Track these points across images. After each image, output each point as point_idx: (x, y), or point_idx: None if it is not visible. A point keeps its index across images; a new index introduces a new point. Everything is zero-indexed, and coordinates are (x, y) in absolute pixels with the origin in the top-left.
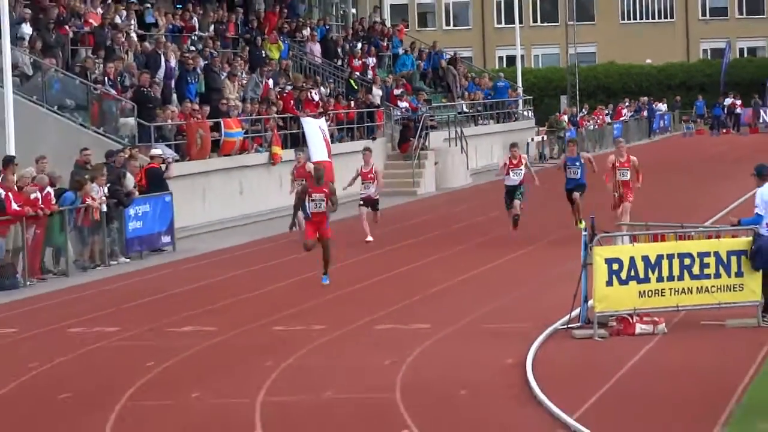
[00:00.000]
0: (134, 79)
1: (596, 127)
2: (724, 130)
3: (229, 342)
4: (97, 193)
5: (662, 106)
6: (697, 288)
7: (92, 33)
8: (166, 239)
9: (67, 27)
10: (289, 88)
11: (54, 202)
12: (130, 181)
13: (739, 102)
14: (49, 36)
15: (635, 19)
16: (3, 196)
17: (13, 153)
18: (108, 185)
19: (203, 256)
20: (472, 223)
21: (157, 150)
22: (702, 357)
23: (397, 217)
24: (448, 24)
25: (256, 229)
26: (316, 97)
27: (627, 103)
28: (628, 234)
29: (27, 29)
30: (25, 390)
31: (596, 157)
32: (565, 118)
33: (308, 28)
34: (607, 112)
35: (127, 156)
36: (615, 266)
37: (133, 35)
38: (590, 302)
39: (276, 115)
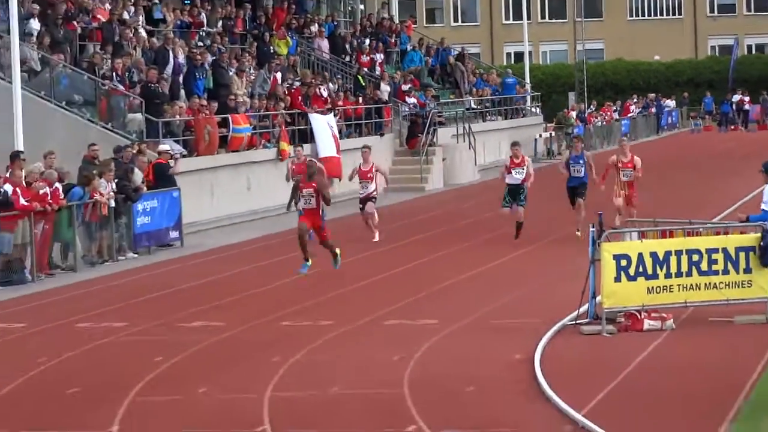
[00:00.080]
0: (142, 74)
1: (604, 123)
2: (732, 127)
3: (237, 337)
4: (105, 189)
5: (670, 103)
6: (706, 284)
7: (100, 29)
8: (174, 235)
9: (75, 22)
10: (297, 84)
11: (62, 197)
12: (138, 176)
13: (747, 99)
14: (57, 31)
15: (643, 15)
16: (11, 191)
17: (21, 148)
18: (116, 180)
19: (211, 252)
20: (479, 219)
21: (165, 146)
22: (710, 353)
23: (405, 213)
24: (456, 20)
25: (264, 224)
26: (325, 93)
27: (635, 100)
28: (636, 230)
29: (35, 25)
30: (33, 385)
31: (599, 155)
32: (573, 114)
33: (316, 24)
34: (615, 108)
35: (135, 151)
36: (623, 262)
37: (142, 31)
38: (598, 298)
39: (284, 111)
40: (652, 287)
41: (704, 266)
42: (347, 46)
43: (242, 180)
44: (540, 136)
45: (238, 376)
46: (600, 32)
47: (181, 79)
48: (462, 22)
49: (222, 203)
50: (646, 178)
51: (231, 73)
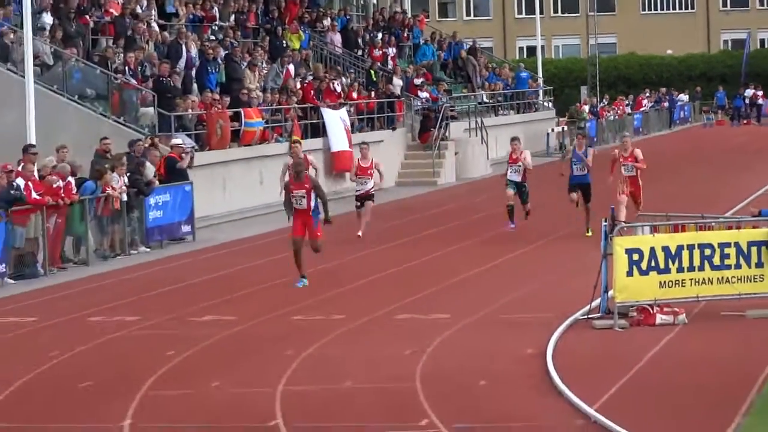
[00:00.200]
0: (154, 68)
1: (616, 117)
2: (745, 121)
3: (249, 331)
4: (117, 183)
5: (684, 97)
6: (718, 278)
7: (113, 22)
8: (186, 229)
9: (87, 16)
10: (309, 78)
11: (75, 191)
12: (150, 170)
13: (760, 93)
14: (69, 26)
15: (656, 9)
16: (23, 185)
17: (33, 142)
18: (128, 174)
19: (223, 246)
20: (491, 213)
21: (178, 139)
22: (722, 347)
23: (417, 207)
24: (468, 14)
25: (276, 219)
26: (338, 88)
27: (647, 94)
28: (648, 224)
29: (48, 19)
30: (45, 379)
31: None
32: (586, 108)
33: (329, 18)
34: (627, 102)
35: (147, 145)
36: (635, 257)
37: (154, 25)
38: (610, 292)
39: (296, 105)
40: (665, 281)
41: (716, 260)
42: (360, 41)
43: (254, 174)
44: (552, 130)
45: (251, 370)
46: (612, 26)
47: (193, 73)
48: (474, 16)
49: (234, 197)
50: (658, 172)
51: (243, 67)
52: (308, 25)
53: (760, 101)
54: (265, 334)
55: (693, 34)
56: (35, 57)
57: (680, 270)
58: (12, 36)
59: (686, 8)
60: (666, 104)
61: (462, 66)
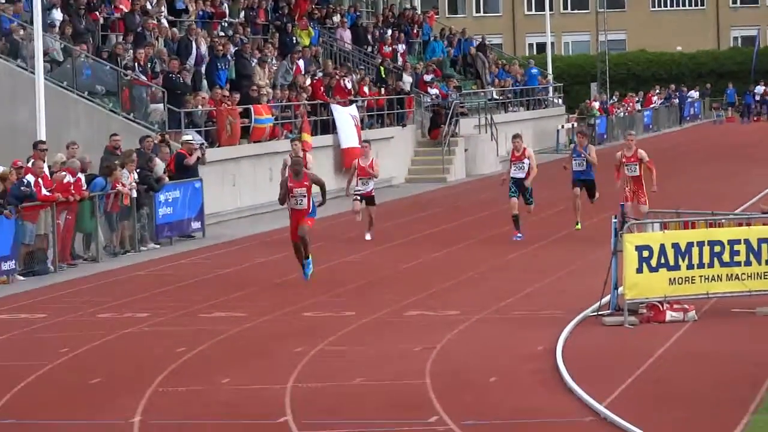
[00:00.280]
0: (164, 65)
1: (626, 114)
2: (755, 118)
3: (259, 328)
4: (127, 179)
5: (694, 94)
6: (727, 275)
7: (123, 19)
8: (196, 225)
9: (97, 13)
10: (319, 74)
11: (85, 188)
12: (159, 166)
13: None
14: (79, 22)
15: (665, 6)
16: (33, 182)
17: (43, 138)
18: (138, 171)
19: (233, 243)
20: (501, 209)
21: (188, 135)
22: (732, 344)
23: (427, 203)
24: (478, 11)
25: (286, 215)
26: (349, 85)
27: (657, 91)
28: (658, 221)
29: (58, 15)
30: (55, 375)
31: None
32: (596, 105)
33: (338, 15)
34: (637, 99)
35: (157, 141)
36: (645, 253)
37: (164, 21)
38: (620, 289)
39: (306, 102)
40: (674, 278)
41: (726, 257)
42: (369, 37)
43: (264, 170)
44: (562, 127)
45: (261, 366)
46: (622, 23)
47: (203, 69)
48: (484, 12)
49: (244, 194)
50: (668, 169)
51: (253, 64)
52: (318, 22)
53: None
54: (276, 331)
55: (703, 30)
56: (45, 53)
57: (690, 267)
58: (22, 32)
59: (696, 5)
60: (676, 101)
61: (471, 63)
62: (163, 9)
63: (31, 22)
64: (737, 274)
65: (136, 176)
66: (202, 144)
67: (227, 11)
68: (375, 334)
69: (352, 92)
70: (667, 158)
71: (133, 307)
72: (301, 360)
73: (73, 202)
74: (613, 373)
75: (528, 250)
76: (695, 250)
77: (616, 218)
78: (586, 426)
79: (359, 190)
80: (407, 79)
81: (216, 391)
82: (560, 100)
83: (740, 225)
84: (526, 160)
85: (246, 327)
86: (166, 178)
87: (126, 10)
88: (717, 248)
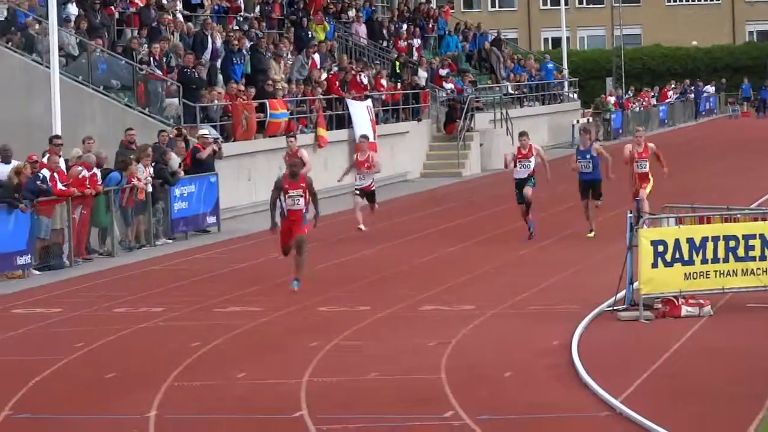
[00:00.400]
0: (180, 59)
1: (642, 109)
2: None
3: (274, 322)
4: (143, 174)
5: (710, 88)
6: (743, 270)
7: (138, 13)
8: (211, 220)
9: (112, 7)
10: (335, 69)
11: (100, 182)
12: (175, 161)
13: None
14: (95, 16)
15: (681, 0)
16: (49, 176)
17: (59, 133)
18: (153, 164)
19: (248, 237)
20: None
21: (204, 130)
22: (748, 339)
23: (442, 198)
24: (493, 5)
25: None
26: (365, 80)
27: (673, 85)
28: (674, 216)
29: (73, 10)
30: (70, 369)
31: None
32: (611, 99)
33: (354, 9)
34: (652, 94)
35: (173, 135)
36: (660, 248)
37: (179, 16)
38: (636, 284)
39: (321, 97)
40: (690, 273)
41: (741, 252)
42: (385, 32)
43: (279, 165)
44: (577, 121)
45: (276, 361)
46: (638, 17)
47: (218, 64)
48: (499, 7)
49: (259, 188)
50: (684, 163)
51: (268, 59)
52: (333, 16)
53: None
54: (291, 326)
55: (718, 25)
56: (60, 48)
57: (705, 262)
58: (37, 27)
59: None
60: (691, 96)
61: (486, 57)
62: (179, 3)
63: (47, 17)
64: (752, 269)
65: (151, 171)
66: (218, 139)
67: (242, 6)
68: (390, 328)
69: (368, 87)
70: (682, 153)
71: (148, 301)
72: (317, 354)
73: (88, 196)
74: (628, 368)
75: (543, 244)
76: (710, 245)
77: (631, 213)
78: (602, 421)
79: (359, 185)
80: (422, 74)
81: (231, 385)
82: (575, 95)
83: (755, 220)
84: (532, 159)
85: (261, 322)
86: (182, 173)
87: (141, 5)
88: (732, 243)
